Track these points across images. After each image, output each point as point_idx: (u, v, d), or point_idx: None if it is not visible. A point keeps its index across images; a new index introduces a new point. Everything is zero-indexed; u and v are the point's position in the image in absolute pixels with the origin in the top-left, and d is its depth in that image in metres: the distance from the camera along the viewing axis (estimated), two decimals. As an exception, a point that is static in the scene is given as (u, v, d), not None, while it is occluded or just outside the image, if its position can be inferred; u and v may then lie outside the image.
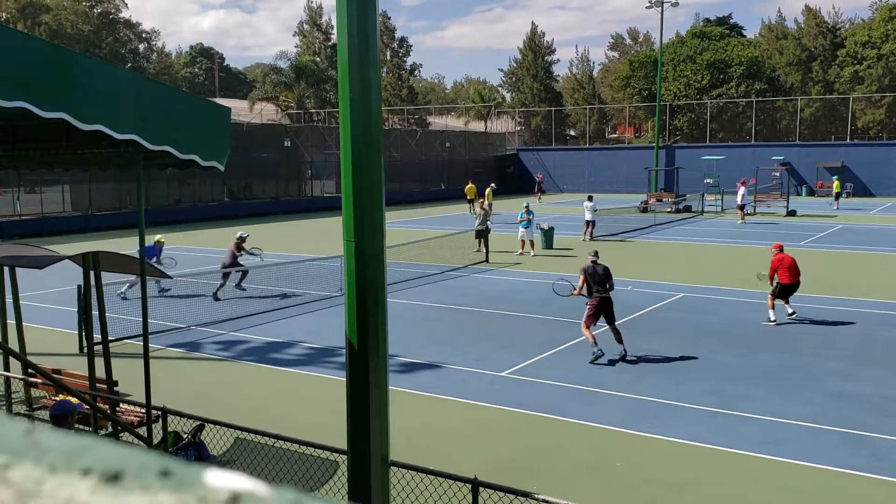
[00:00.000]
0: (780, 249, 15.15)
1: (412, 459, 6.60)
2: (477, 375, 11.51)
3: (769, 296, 14.82)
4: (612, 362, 12.05)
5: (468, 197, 40.43)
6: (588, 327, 12.32)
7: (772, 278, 14.85)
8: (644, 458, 8.52)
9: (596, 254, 13.07)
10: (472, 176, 55.87)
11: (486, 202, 34.07)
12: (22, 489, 0.38)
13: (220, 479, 0.40)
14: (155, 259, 17.30)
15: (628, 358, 12.14)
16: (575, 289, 12.84)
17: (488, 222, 23.78)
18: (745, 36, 73.66)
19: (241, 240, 18.22)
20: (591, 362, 11.98)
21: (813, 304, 16.38)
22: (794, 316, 14.64)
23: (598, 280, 12.42)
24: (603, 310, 12.34)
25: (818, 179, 50.86)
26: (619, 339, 12.29)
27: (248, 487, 0.39)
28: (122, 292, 16.97)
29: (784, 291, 14.74)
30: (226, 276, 17.84)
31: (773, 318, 14.60)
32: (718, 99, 63.78)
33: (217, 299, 17.36)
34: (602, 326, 12.55)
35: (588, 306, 12.43)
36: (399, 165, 49.54)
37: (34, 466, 0.39)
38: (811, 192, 50.79)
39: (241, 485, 0.39)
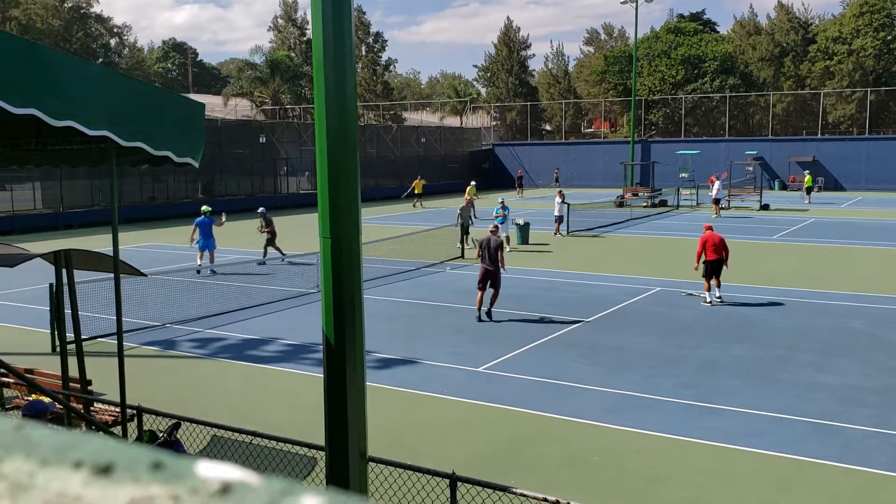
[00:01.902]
0: (710, 229, 16.23)
1: (390, 455, 6.60)
2: (453, 371, 11.53)
3: (704, 279, 15.83)
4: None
5: (416, 192, 41.05)
6: (479, 290, 14.60)
7: (699, 257, 15.82)
8: (621, 452, 8.59)
9: (496, 228, 15.26)
10: (448, 172, 55.96)
11: (469, 198, 34.14)
12: (15, 482, 0.38)
13: (211, 470, 0.40)
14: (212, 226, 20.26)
15: (492, 317, 14.44)
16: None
17: (469, 219, 23.82)
18: (718, 32, 74.28)
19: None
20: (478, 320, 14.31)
21: (786, 296, 16.59)
22: (720, 301, 15.73)
23: (490, 254, 14.55)
24: (489, 277, 14.55)
25: (790, 174, 51.47)
26: (492, 302, 14.57)
27: (238, 477, 0.39)
28: (201, 265, 19.88)
29: (712, 269, 15.67)
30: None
31: (708, 299, 15.74)
32: (693, 94, 64.29)
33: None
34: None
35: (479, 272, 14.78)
36: (375, 161, 49.42)
37: (25, 460, 0.40)
38: (784, 187, 51.38)
39: (232, 475, 0.40)
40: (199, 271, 19.81)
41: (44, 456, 0.39)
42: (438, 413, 9.87)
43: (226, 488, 0.37)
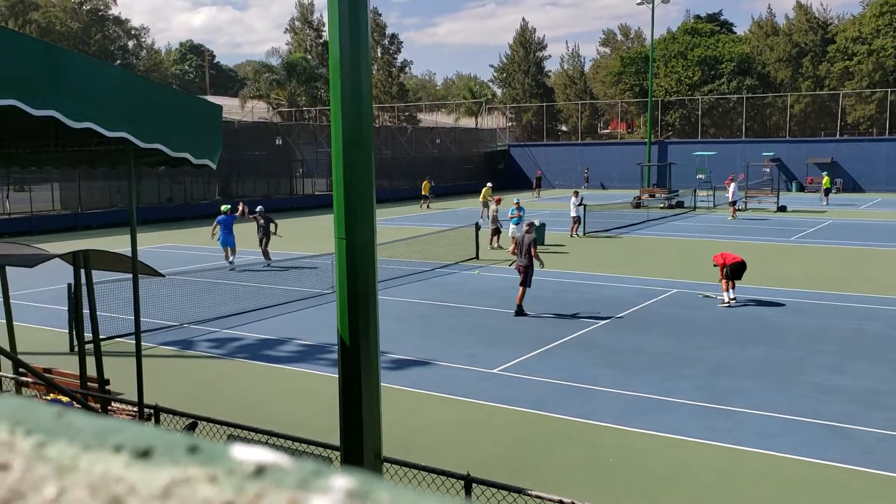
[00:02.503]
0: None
1: (404, 455, 6.62)
2: (468, 372, 11.54)
3: (723, 280, 15.81)
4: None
5: (423, 193, 41.44)
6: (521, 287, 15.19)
7: (723, 268, 15.80)
8: (636, 454, 8.57)
9: (531, 226, 16.03)
10: (462, 173, 55.99)
11: (484, 199, 34.16)
12: (60, 464, 0.40)
13: (245, 453, 0.42)
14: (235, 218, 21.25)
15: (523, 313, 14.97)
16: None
17: (480, 220, 23.89)
18: (735, 32, 73.87)
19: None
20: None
21: (802, 298, 16.48)
22: (734, 302, 15.75)
23: (523, 250, 15.18)
24: (523, 273, 15.09)
25: (808, 175, 51.09)
26: (520, 298, 15.03)
27: (271, 460, 0.41)
28: (231, 261, 20.76)
29: (735, 271, 15.67)
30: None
31: (726, 299, 15.72)
32: (710, 95, 63.97)
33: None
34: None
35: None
36: (389, 163, 49.53)
37: (69, 444, 0.42)
38: (801, 188, 51.01)
39: (265, 457, 0.41)
40: (232, 268, 20.61)
41: (85, 441, 0.40)
42: (453, 414, 9.87)
43: (260, 469, 0.38)
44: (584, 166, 56.37)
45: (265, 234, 21.46)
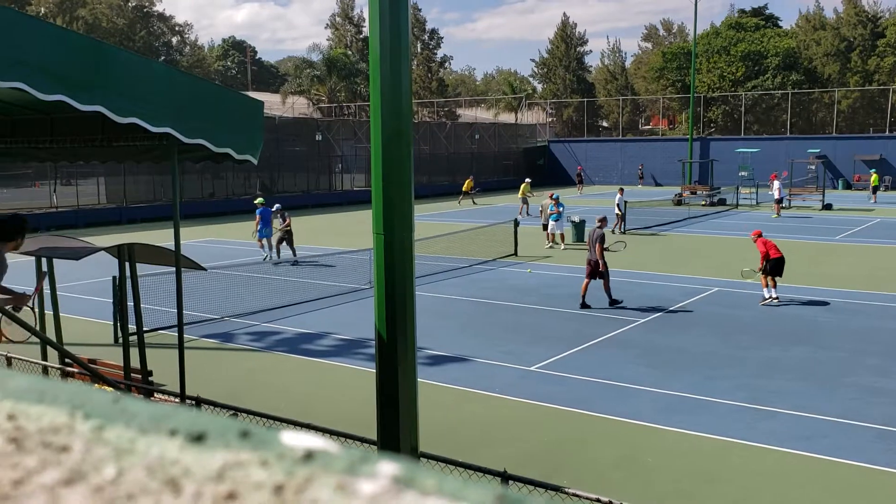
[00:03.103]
0: (759, 235, 16.02)
1: (441, 451, 6.63)
2: (506, 369, 11.52)
3: (762, 276, 15.57)
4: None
5: (464, 189, 41.39)
6: (586, 279, 15.57)
7: (765, 261, 15.46)
8: (675, 453, 8.48)
9: (603, 220, 16.31)
10: (501, 169, 55.87)
11: (523, 195, 34.05)
12: (118, 447, 0.42)
13: (295, 439, 0.43)
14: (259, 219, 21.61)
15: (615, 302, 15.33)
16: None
17: (519, 216, 23.83)
18: (780, 27, 72.52)
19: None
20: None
21: (849, 298, 16.14)
22: (777, 301, 15.49)
23: (591, 244, 15.45)
24: (593, 267, 15.38)
25: (855, 172, 49.97)
26: (606, 289, 15.45)
27: (320, 445, 0.42)
28: (268, 256, 21.10)
29: (776, 267, 15.41)
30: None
31: (773, 296, 15.46)
32: (753, 91, 62.91)
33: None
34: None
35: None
36: (428, 158, 49.60)
37: (125, 428, 0.43)
38: (848, 186, 49.92)
39: (314, 443, 0.42)
40: (277, 262, 21.03)
41: (141, 425, 0.42)
42: (490, 411, 9.87)
43: (309, 455, 0.40)
44: (640, 163, 55.88)
45: (287, 232, 21.66)
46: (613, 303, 15.34)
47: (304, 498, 0.37)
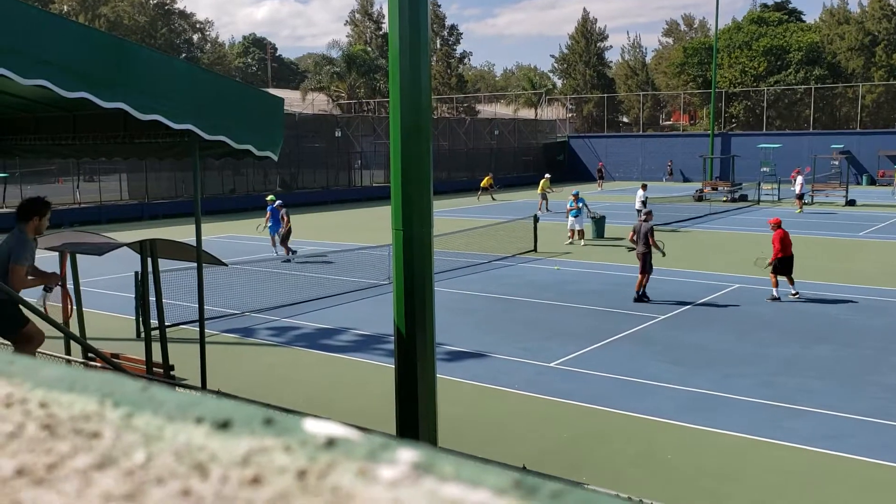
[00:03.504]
0: (779, 224, 15.88)
1: (460, 447, 6.65)
2: (524, 365, 11.51)
3: (771, 274, 15.48)
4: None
5: (482, 186, 41.42)
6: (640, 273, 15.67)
7: (779, 255, 15.37)
8: (695, 451, 8.45)
9: (649, 214, 16.45)
10: (521, 165, 55.77)
11: (542, 190, 33.98)
12: (147, 433, 0.43)
13: (317, 426, 0.44)
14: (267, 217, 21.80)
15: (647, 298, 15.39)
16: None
17: (538, 212, 23.74)
18: (804, 21, 71.75)
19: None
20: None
21: (874, 296, 15.97)
22: (798, 296, 15.43)
23: (640, 238, 15.63)
24: (641, 260, 15.54)
25: (880, 168, 49.37)
26: (638, 285, 15.48)
27: (341, 433, 0.43)
28: (284, 256, 21.10)
29: (786, 265, 15.34)
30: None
31: (776, 294, 15.34)
32: (776, 86, 62.30)
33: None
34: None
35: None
36: (447, 154, 49.60)
37: (153, 416, 0.45)
38: (872, 182, 49.33)
39: (336, 430, 0.44)
40: (289, 259, 21.10)
41: (169, 412, 0.43)
42: (509, 407, 9.88)
43: (331, 441, 0.41)
44: (669, 159, 55.56)
45: (287, 230, 21.65)
46: (640, 299, 15.34)
47: (326, 483, 0.38)
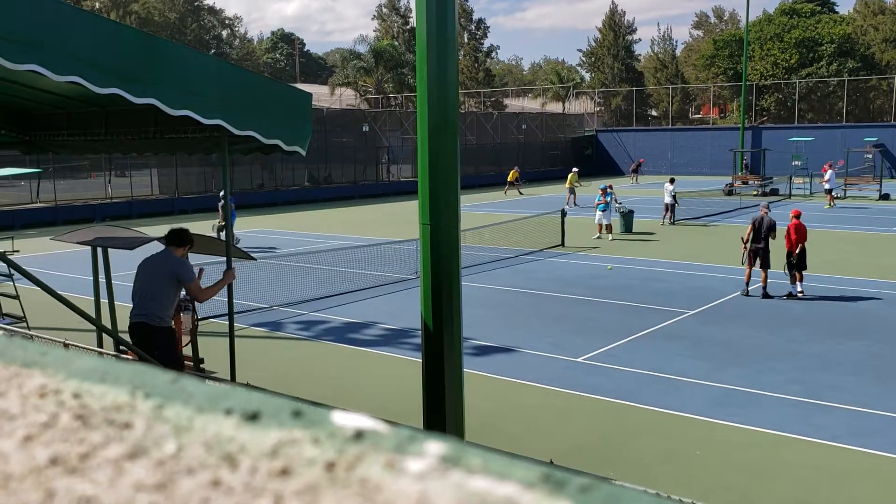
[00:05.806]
0: (798, 216, 15.65)
1: (487, 442, 6.66)
2: (552, 360, 11.48)
3: (786, 268, 15.28)
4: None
5: (509, 180, 41.39)
6: (748, 267, 15.41)
7: (797, 245, 15.11)
8: (724, 447, 8.37)
9: (768, 208, 16.11)
10: (548, 159, 55.54)
11: (570, 185, 33.84)
12: (177, 424, 0.44)
13: (345, 419, 0.45)
14: None
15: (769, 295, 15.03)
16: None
17: (566, 206, 23.63)
18: (837, 12, 70.59)
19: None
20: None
21: (906, 291, 15.70)
22: (802, 295, 15.18)
23: (762, 233, 15.26)
24: (758, 255, 15.26)
25: (915, 162, 48.49)
26: (764, 283, 15.12)
27: (369, 425, 0.43)
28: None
29: (801, 260, 15.08)
30: None
31: (799, 290, 15.09)
32: (808, 78, 61.39)
33: None
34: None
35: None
36: (475, 149, 49.54)
37: (184, 407, 0.46)
38: (906, 175, 48.48)
39: (364, 423, 0.44)
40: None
41: (198, 404, 0.44)
42: (537, 402, 9.86)
43: (359, 434, 0.41)
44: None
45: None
46: (766, 296, 15.10)
47: (354, 475, 0.38)
